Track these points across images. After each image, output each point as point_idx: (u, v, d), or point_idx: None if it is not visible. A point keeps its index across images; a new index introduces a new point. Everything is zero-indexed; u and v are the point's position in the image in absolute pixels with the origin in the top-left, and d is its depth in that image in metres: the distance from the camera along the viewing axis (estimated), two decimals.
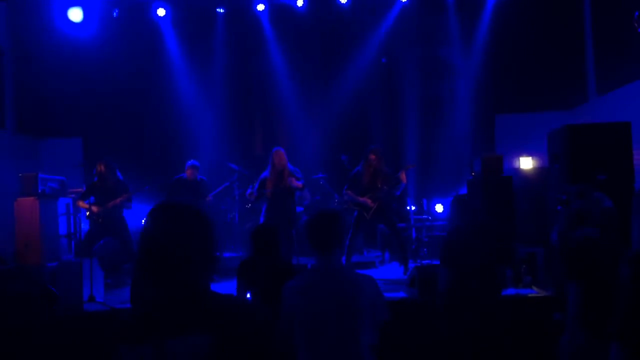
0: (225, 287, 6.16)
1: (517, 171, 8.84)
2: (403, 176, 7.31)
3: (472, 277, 4.27)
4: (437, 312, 4.43)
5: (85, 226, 7.97)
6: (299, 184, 7.37)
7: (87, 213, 7.35)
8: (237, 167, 8.68)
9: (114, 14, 9.81)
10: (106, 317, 5.72)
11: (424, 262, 8.06)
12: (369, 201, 7.26)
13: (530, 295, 5.74)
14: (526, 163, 9.37)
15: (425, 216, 9.05)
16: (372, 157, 7.31)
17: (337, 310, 2.75)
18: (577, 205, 3.60)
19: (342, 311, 2.75)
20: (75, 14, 9.73)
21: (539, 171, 8.25)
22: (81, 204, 7.36)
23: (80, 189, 8.07)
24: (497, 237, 4.54)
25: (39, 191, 7.51)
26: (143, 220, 8.10)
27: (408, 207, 9.17)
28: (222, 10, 9.98)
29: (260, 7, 9.97)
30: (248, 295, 4.19)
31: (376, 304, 2.87)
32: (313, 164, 9.23)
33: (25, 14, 9.71)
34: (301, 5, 9.83)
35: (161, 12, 9.87)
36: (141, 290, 3.95)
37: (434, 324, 4.50)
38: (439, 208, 9.29)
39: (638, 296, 2.36)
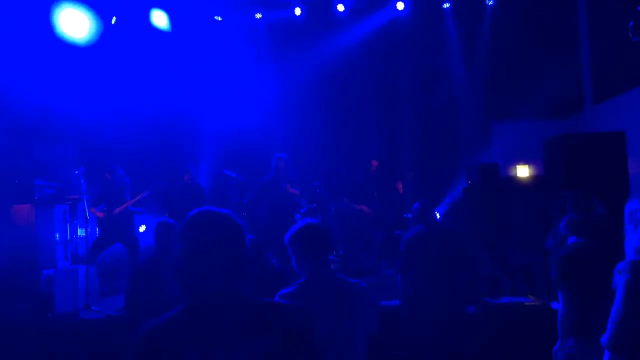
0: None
1: (514, 179, 8.87)
2: (400, 186, 7.34)
3: (428, 284, 4.23)
4: (423, 319, 4.42)
5: (83, 233, 7.96)
6: (296, 191, 7.40)
7: (101, 221, 7.33)
8: (234, 174, 8.68)
9: (113, 20, 9.82)
10: (101, 324, 5.71)
11: None
12: (365, 208, 7.27)
13: (526, 303, 5.74)
14: (522, 171, 9.39)
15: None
16: (374, 164, 7.35)
17: (330, 318, 2.76)
18: (572, 213, 3.63)
19: (335, 319, 2.76)
20: (160, 18, 9.73)
21: (535, 179, 8.28)
22: (93, 211, 7.37)
23: (77, 196, 8.05)
24: (456, 242, 4.49)
25: (36, 197, 7.50)
26: (143, 227, 8.06)
27: (405, 215, 9.18)
28: (219, 19, 10.00)
29: (258, 15, 10.01)
30: None
31: (368, 313, 2.87)
32: (310, 171, 9.23)
33: (19, 17, 9.68)
34: (299, 14, 9.88)
35: (160, 18, 9.85)
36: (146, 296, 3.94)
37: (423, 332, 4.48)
38: (436, 215, 9.29)
39: (631, 304, 2.37)
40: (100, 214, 7.21)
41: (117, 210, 7.21)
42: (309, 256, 2.90)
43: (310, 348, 1.74)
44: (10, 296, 5.94)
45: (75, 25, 9.72)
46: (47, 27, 9.70)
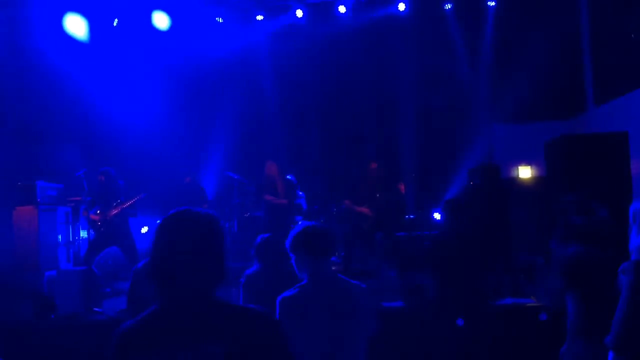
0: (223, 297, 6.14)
1: (515, 180, 8.86)
2: (402, 187, 7.33)
3: (459, 285, 4.24)
4: (425, 321, 4.42)
5: (85, 235, 7.97)
6: (281, 200, 7.52)
7: (96, 223, 7.29)
8: (236, 176, 8.69)
9: (114, 22, 9.84)
10: (104, 325, 5.71)
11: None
12: (367, 210, 7.27)
13: (528, 304, 5.73)
14: (524, 172, 9.38)
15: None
16: (374, 166, 7.34)
17: (331, 319, 2.76)
18: (574, 215, 3.62)
19: (337, 320, 2.76)
20: (161, 20, 9.75)
21: (537, 180, 8.27)
22: (85, 214, 7.35)
23: (79, 198, 8.06)
24: (487, 245, 4.51)
25: (38, 200, 7.51)
26: (145, 229, 8.07)
27: (407, 217, 9.17)
28: (221, 20, 10.01)
29: (259, 17, 10.01)
30: None
31: (367, 315, 2.87)
32: (311, 173, 9.24)
33: (23, 20, 9.73)
34: (300, 16, 9.88)
35: (161, 19, 9.85)
36: (146, 298, 3.94)
37: (425, 333, 4.49)
38: (437, 217, 9.29)
39: (635, 305, 2.37)
40: (94, 217, 7.19)
41: (112, 212, 7.20)
42: (309, 258, 2.89)
43: (275, 356, 1.71)
44: (13, 298, 5.93)
45: (77, 26, 9.76)
46: (54, 29, 9.75)
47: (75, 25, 9.75)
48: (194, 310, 1.69)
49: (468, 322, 4.23)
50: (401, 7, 9.73)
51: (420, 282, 5.53)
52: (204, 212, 1.80)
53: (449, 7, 9.88)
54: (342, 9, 9.70)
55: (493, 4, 9.75)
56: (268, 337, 1.71)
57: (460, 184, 9.64)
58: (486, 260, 4.37)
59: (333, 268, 8.19)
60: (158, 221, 4.69)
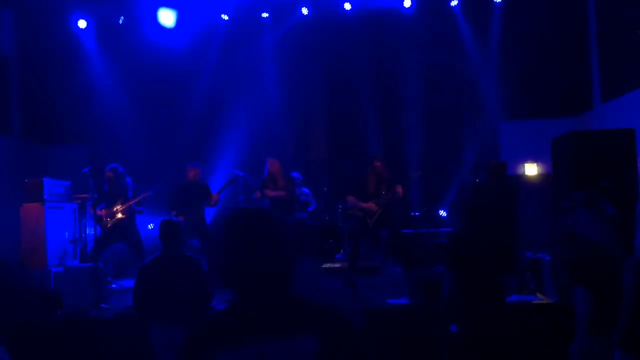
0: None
1: (522, 178, 8.84)
2: (399, 189, 7.30)
3: (475, 284, 4.26)
4: (436, 317, 4.43)
5: (92, 232, 7.99)
6: (279, 193, 7.65)
7: (102, 219, 7.29)
8: (242, 174, 8.70)
9: (120, 21, 9.86)
10: (110, 322, 5.74)
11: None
12: (372, 207, 7.26)
13: (534, 302, 5.72)
14: (531, 169, 9.36)
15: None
16: (377, 164, 7.34)
17: None
18: (581, 212, 3.61)
19: None
20: (167, 17, 9.77)
21: (543, 177, 8.24)
22: (92, 210, 7.33)
23: (85, 195, 8.08)
24: (502, 246, 4.52)
25: (45, 197, 7.54)
26: (151, 225, 8.08)
27: (412, 214, 9.17)
28: (227, 18, 10.00)
29: (264, 15, 10.01)
30: None
31: (348, 313, 2.86)
32: (316, 170, 9.25)
33: (32, 22, 9.79)
34: (306, 14, 9.87)
35: (167, 17, 9.85)
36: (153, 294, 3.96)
37: (436, 330, 4.50)
38: (443, 214, 9.29)
39: (638, 302, 2.36)
40: (101, 213, 7.21)
41: (119, 209, 7.21)
42: None
43: (351, 354, 1.73)
44: (20, 294, 5.97)
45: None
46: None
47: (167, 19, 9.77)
48: (279, 305, 1.71)
49: (482, 321, 4.24)
50: (407, 3, 9.70)
51: (429, 278, 5.54)
52: (266, 209, 1.85)
53: (455, 3, 9.84)
54: (347, 6, 9.68)
55: (500, 0, 9.71)
56: (348, 332, 1.75)
57: (467, 181, 9.63)
58: (498, 258, 4.37)
59: (338, 265, 8.24)
60: (164, 218, 4.72)
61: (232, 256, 1.74)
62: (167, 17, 9.87)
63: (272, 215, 1.81)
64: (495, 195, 7.07)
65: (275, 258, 1.74)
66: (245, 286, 1.73)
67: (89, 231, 8.12)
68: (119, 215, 7.18)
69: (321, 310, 1.75)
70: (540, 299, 5.81)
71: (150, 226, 8.44)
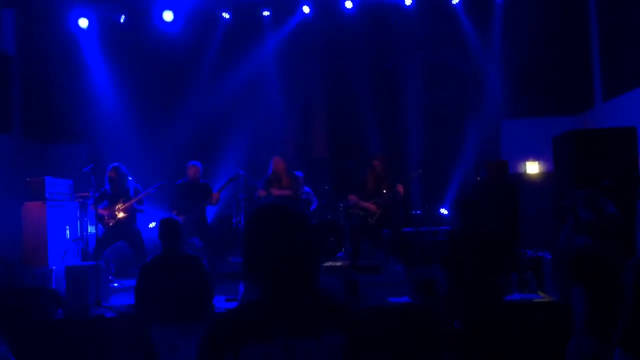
0: (231, 291, 6.17)
1: (523, 176, 8.83)
2: (400, 188, 7.30)
3: (473, 282, 4.25)
4: (436, 316, 4.43)
5: (93, 231, 8.00)
6: (285, 191, 7.69)
7: (104, 218, 7.29)
8: (242, 172, 8.70)
9: (121, 19, 9.86)
10: (112, 321, 5.75)
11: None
12: (373, 206, 7.26)
13: (536, 300, 5.72)
14: (532, 168, 9.35)
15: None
16: (376, 162, 7.33)
17: None
18: (583, 211, 3.60)
19: None
20: (167, 15, 9.76)
21: (544, 176, 8.23)
22: (94, 209, 7.33)
23: (87, 193, 8.08)
24: (500, 244, 4.51)
25: (47, 196, 7.54)
26: (153, 224, 8.08)
27: (414, 212, 9.17)
28: (228, 16, 9.99)
29: (266, 13, 10.01)
30: None
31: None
32: (317, 169, 9.25)
33: (33, 21, 9.80)
34: (307, 12, 9.87)
35: (168, 16, 9.84)
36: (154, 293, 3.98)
37: (435, 329, 4.50)
38: (444, 212, 9.29)
39: (639, 302, 2.36)
40: (102, 212, 7.21)
41: (120, 208, 7.21)
42: None
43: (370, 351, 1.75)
44: (21, 293, 5.98)
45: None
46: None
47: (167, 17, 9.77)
48: (305, 300, 1.71)
49: (480, 319, 4.23)
50: (408, 0, 9.68)
51: (430, 277, 5.53)
52: (290, 205, 1.83)
53: (457, 1, 9.82)
54: (348, 4, 9.67)
55: None
56: (365, 330, 1.76)
57: (468, 180, 9.63)
58: (497, 256, 4.37)
59: (339, 264, 8.25)
60: (163, 217, 4.72)
61: (260, 249, 1.74)
62: (167, 17, 9.87)
63: (299, 211, 1.82)
64: (496, 194, 7.06)
65: (303, 253, 1.74)
66: (273, 280, 1.72)
67: (91, 230, 8.13)
68: (121, 214, 7.18)
69: (345, 307, 1.76)
70: (542, 297, 5.81)
71: (152, 225, 8.45)
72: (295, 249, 1.73)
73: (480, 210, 4.65)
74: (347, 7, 9.70)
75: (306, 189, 8.76)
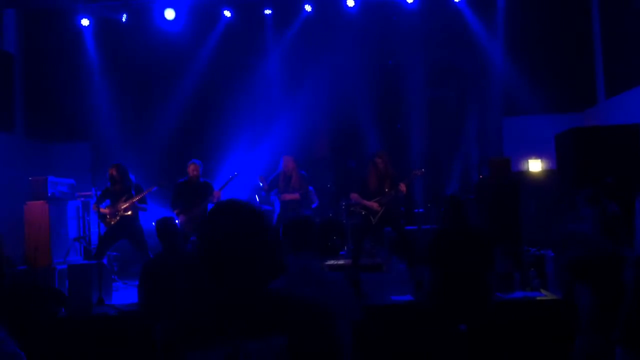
0: None
1: (526, 173, 8.81)
2: (403, 187, 7.27)
3: (457, 280, 4.23)
4: (425, 312, 4.43)
5: (95, 229, 8.01)
6: (294, 195, 7.75)
7: (106, 217, 7.29)
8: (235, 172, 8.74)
9: (123, 19, 9.85)
10: (115, 319, 5.76)
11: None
12: (375, 205, 7.24)
13: (538, 298, 5.72)
14: (535, 165, 9.33)
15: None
16: (378, 160, 7.30)
17: None
18: (584, 209, 3.60)
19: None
20: (169, 14, 9.75)
21: (547, 173, 8.21)
22: (96, 208, 7.32)
23: (89, 192, 8.10)
24: (487, 242, 4.48)
25: (49, 195, 7.56)
26: (154, 223, 8.13)
27: (416, 210, 9.16)
28: (229, 14, 9.97)
29: (267, 11, 9.99)
30: None
31: (346, 304, 2.88)
32: (320, 168, 9.24)
33: (35, 20, 9.82)
34: (310, 10, 9.86)
35: (169, 14, 9.81)
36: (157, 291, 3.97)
37: (439, 327, 4.49)
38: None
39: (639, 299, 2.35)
40: (104, 211, 7.21)
41: (122, 206, 7.20)
42: (292, 248, 2.93)
43: (327, 345, 1.72)
44: (24, 292, 5.99)
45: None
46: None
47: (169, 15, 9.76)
48: (253, 302, 1.67)
49: (466, 319, 4.22)
50: None
51: (422, 276, 5.53)
52: (249, 204, 1.78)
53: None
54: (350, 2, 9.65)
55: None
56: (323, 327, 1.72)
57: (470, 177, 9.62)
58: (483, 254, 4.34)
59: (342, 262, 8.21)
60: (160, 217, 4.72)
61: (213, 248, 1.69)
62: (169, 15, 9.85)
63: (257, 208, 1.77)
64: (499, 191, 7.04)
65: (255, 253, 1.69)
66: (221, 279, 1.68)
67: (93, 229, 8.14)
68: (123, 213, 7.18)
69: (294, 306, 1.71)
70: (544, 295, 5.80)
71: (154, 223, 8.44)
72: (247, 249, 1.68)
73: (466, 207, 4.63)
74: (349, 5, 9.67)
75: (309, 187, 8.76)
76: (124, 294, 6.94)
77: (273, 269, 1.76)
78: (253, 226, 1.71)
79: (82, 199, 8.17)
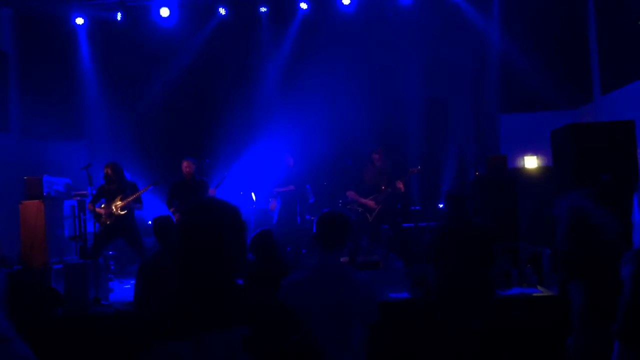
0: None
1: (522, 170, 8.82)
2: (400, 185, 7.28)
3: (459, 276, 4.24)
4: (427, 309, 4.43)
5: (91, 228, 7.98)
6: (289, 187, 7.89)
7: (101, 217, 7.25)
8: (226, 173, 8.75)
9: (118, 17, 9.82)
10: (111, 318, 5.74)
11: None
12: (372, 203, 7.24)
13: (535, 294, 5.72)
14: (531, 162, 9.34)
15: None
16: (375, 157, 7.31)
17: (329, 306, 2.78)
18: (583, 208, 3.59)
19: (334, 307, 2.78)
20: (163, 12, 9.73)
21: (543, 170, 8.21)
22: (91, 207, 7.30)
23: (84, 192, 8.07)
24: (488, 238, 4.48)
25: (44, 194, 7.52)
26: (151, 221, 8.08)
27: (413, 208, 9.16)
28: (223, 12, 9.94)
29: (263, 9, 9.97)
30: None
31: (367, 304, 2.88)
32: (316, 165, 9.22)
33: (31, 19, 9.78)
34: (305, 8, 9.84)
35: (164, 12, 9.79)
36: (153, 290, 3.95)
37: (431, 322, 4.50)
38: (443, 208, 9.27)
39: (638, 294, 2.34)
40: (100, 210, 7.18)
41: (118, 205, 7.17)
42: (318, 243, 2.92)
43: (284, 343, 1.75)
44: (20, 291, 5.97)
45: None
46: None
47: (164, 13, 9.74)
48: (216, 296, 1.72)
49: (470, 315, 4.22)
50: None
51: (424, 273, 5.53)
52: (222, 202, 1.83)
53: None
54: (346, 0, 9.64)
55: None
56: (285, 322, 1.76)
57: (467, 174, 9.61)
58: (484, 250, 4.35)
59: (341, 259, 8.20)
60: (155, 216, 4.70)
61: (185, 242, 1.74)
62: (164, 13, 9.83)
63: (233, 207, 1.82)
64: (495, 188, 7.05)
65: (223, 248, 1.74)
66: (191, 275, 1.73)
67: (89, 228, 8.11)
68: (119, 212, 7.15)
69: (256, 301, 1.77)
70: (541, 291, 5.80)
71: (150, 222, 8.43)
72: (215, 245, 1.72)
73: (467, 204, 4.63)
74: (345, 2, 9.66)
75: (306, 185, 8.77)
76: (120, 293, 6.92)
77: (240, 264, 1.80)
78: (226, 223, 1.76)
79: (78, 198, 8.14)
